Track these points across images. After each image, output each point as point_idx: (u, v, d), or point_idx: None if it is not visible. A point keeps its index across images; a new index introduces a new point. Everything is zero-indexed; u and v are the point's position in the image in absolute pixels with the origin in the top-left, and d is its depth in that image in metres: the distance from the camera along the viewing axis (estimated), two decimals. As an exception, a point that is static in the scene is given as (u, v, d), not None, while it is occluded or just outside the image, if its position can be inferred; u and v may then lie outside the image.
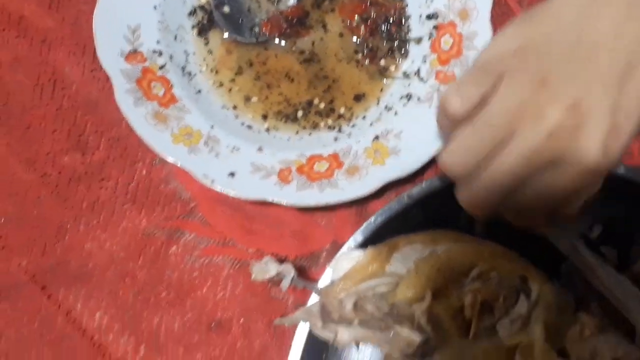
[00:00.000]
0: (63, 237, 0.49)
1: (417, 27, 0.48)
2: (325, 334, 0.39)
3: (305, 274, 0.49)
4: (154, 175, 0.50)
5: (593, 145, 0.33)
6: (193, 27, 0.49)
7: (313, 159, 0.45)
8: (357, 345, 0.45)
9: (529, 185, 0.36)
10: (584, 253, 0.42)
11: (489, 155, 0.36)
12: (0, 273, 0.48)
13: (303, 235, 0.49)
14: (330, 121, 0.48)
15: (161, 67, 0.47)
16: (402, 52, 0.49)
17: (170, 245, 0.49)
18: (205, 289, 0.48)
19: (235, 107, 0.48)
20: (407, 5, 0.49)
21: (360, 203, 0.49)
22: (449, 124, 0.36)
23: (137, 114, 0.44)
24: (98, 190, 0.50)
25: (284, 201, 0.43)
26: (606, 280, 0.42)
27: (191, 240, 0.49)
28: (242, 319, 0.48)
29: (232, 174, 0.44)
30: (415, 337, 0.39)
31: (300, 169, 0.45)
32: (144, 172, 0.50)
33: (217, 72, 0.49)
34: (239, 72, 0.49)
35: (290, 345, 0.42)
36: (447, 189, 0.45)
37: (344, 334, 0.39)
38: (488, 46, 0.35)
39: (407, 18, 0.49)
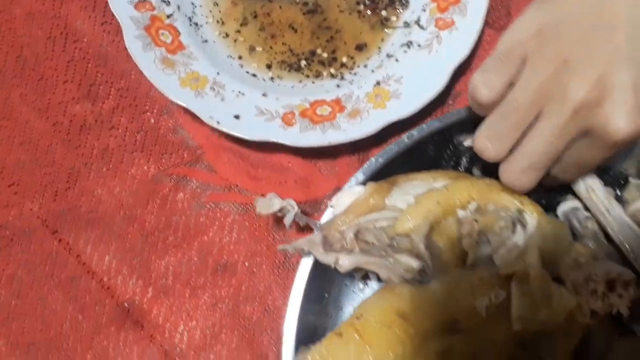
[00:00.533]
0: (74, 183, 0.51)
1: (417, -23, 0.50)
2: (326, 259, 0.41)
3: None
4: (162, 124, 0.51)
5: (619, 118, 0.35)
6: None
7: (316, 104, 0.47)
8: (359, 276, 0.46)
9: (564, 158, 0.38)
10: (599, 195, 0.43)
11: (520, 137, 0.37)
12: (13, 217, 0.50)
13: (306, 182, 0.50)
14: (332, 70, 0.49)
15: (169, 16, 0.48)
16: (403, 2, 0.50)
17: (178, 192, 0.50)
18: (211, 233, 0.50)
19: (240, 57, 0.50)
20: (407, -42, 0.50)
21: (362, 150, 0.50)
22: (481, 110, 0.38)
23: (145, 59, 0.46)
24: (108, 139, 0.51)
25: (288, 142, 0.45)
26: (615, 224, 0.43)
27: (198, 187, 0.50)
28: (247, 263, 0.49)
29: (237, 117, 0.46)
30: (414, 264, 0.40)
31: (303, 113, 0.46)
32: (152, 121, 0.51)
33: (223, 23, 0.51)
34: (244, 23, 0.51)
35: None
36: (446, 131, 0.47)
37: (345, 260, 0.40)
38: (508, 31, 0.37)
39: (408, -30, 0.50)
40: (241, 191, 0.50)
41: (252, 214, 0.50)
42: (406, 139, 0.46)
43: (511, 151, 0.39)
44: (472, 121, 0.42)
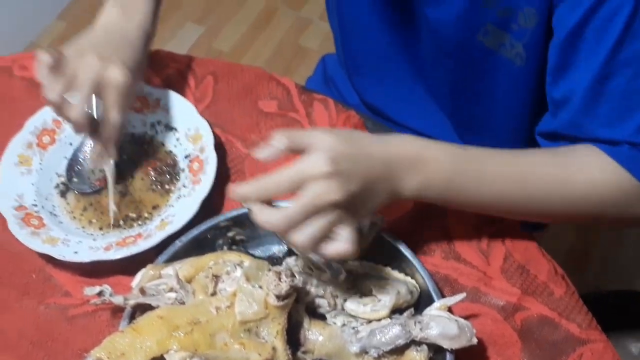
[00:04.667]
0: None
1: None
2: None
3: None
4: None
5: None
6: (57, 193, 0.88)
7: (127, 239, 0.80)
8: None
9: None
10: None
11: None
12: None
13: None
14: (139, 222, 0.84)
15: (36, 213, 0.84)
16: (176, 178, 0.88)
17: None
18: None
19: (83, 227, 0.84)
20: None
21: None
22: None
23: (22, 235, 0.80)
24: None
25: (111, 257, 0.77)
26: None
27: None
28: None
29: (76, 252, 0.78)
30: (172, 295, 0.70)
31: (118, 244, 0.80)
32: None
33: (72, 211, 0.86)
34: (84, 209, 0.86)
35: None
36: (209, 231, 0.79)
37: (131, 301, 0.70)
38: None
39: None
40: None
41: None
42: (178, 241, 0.79)
43: None
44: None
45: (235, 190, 0.64)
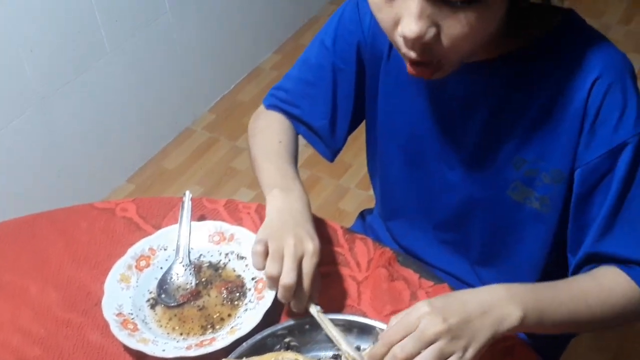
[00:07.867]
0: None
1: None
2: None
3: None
4: None
5: None
6: (148, 306, 1.10)
7: (203, 342, 1.01)
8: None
9: None
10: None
11: None
12: None
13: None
14: (211, 330, 1.04)
15: (132, 320, 1.05)
16: (243, 296, 1.09)
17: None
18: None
19: (168, 334, 1.05)
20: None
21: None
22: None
23: (121, 335, 1.01)
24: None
25: (190, 354, 0.97)
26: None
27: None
28: None
29: (163, 350, 0.98)
30: None
31: (197, 345, 1.00)
32: (122, 372, 1.01)
33: (159, 320, 1.07)
34: (170, 319, 1.07)
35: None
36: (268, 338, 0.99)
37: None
38: None
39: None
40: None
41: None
42: (245, 344, 0.98)
43: None
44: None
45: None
